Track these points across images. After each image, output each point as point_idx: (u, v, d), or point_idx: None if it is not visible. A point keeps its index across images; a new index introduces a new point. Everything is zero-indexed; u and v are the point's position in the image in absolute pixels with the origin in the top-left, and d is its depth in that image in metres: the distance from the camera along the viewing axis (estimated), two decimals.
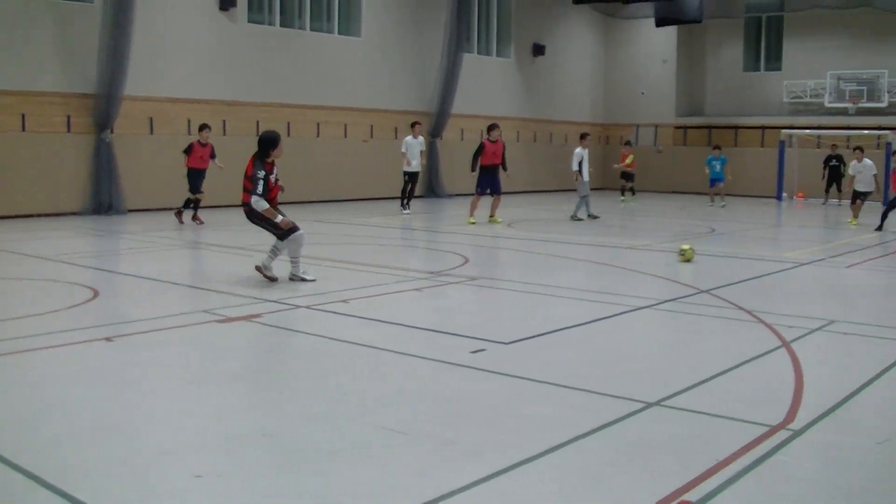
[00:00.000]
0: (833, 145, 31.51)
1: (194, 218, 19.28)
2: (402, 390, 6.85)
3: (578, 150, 22.37)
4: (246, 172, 11.45)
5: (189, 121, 23.15)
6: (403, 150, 23.63)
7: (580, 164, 22.12)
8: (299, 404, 6.45)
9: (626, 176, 30.31)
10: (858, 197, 22.53)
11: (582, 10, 36.59)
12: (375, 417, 6.10)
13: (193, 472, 5.03)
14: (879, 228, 20.51)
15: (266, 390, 6.98)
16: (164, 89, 23.07)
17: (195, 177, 18.91)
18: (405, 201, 23.77)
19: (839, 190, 30.82)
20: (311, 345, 8.41)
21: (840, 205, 30.46)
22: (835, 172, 30.88)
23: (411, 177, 23.71)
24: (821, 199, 31.44)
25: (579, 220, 22.04)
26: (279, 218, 11.43)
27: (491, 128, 21.18)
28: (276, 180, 11.68)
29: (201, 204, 19.40)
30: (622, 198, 30.24)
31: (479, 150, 20.91)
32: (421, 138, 23.89)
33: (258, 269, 11.53)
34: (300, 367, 7.68)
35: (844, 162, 30.86)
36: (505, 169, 21.17)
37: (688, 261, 14.41)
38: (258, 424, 5.92)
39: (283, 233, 11.51)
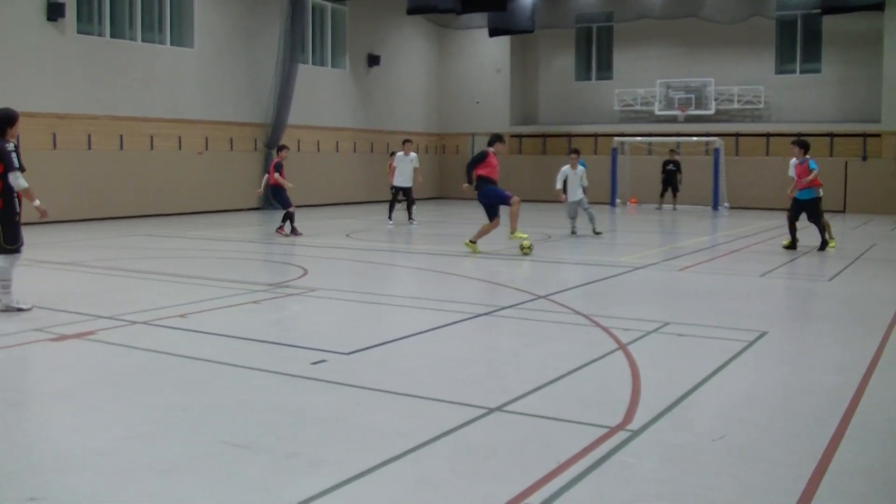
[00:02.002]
0: (671, 150, 32.37)
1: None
2: (241, 404, 6.68)
3: (565, 168, 21.67)
4: None
5: (17, 136, 22.13)
6: (395, 164, 24.15)
7: (564, 182, 21.57)
8: (132, 422, 6.20)
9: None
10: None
11: (416, 20, 36.72)
12: (213, 432, 5.94)
13: (28, 496, 4.79)
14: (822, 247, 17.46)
15: (96, 409, 6.67)
16: None
17: None
18: (409, 215, 24.29)
19: (674, 195, 31.72)
20: (146, 361, 8.12)
21: (675, 209, 31.34)
22: (670, 177, 31.74)
23: (404, 192, 24.06)
24: (656, 204, 32.30)
25: (598, 233, 21.16)
26: (37, 202, 10.22)
27: (498, 139, 17.23)
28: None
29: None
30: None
31: (479, 160, 16.88)
32: (413, 154, 24.12)
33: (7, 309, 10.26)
34: (134, 384, 7.34)
35: (680, 168, 31.79)
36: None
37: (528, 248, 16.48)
38: (89, 444, 5.68)
39: (10, 248, 10.23)
